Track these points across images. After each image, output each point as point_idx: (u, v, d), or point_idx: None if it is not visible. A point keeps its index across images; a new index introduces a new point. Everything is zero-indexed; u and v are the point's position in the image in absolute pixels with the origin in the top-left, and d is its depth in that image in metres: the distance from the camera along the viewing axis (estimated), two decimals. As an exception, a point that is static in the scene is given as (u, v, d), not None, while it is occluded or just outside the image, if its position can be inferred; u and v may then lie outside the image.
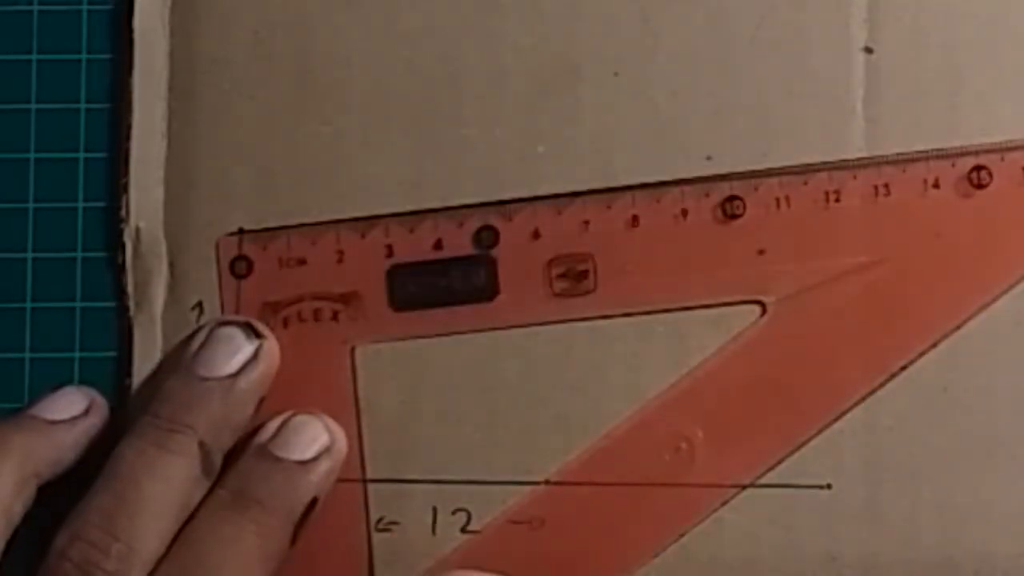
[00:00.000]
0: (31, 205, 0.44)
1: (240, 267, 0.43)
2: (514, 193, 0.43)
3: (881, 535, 0.42)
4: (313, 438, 0.42)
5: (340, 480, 0.42)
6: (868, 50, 0.43)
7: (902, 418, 0.42)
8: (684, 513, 0.42)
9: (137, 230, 0.44)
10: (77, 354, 0.44)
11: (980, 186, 0.42)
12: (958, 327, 0.42)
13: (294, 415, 0.42)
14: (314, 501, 0.41)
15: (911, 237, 0.42)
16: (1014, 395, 0.42)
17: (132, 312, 0.43)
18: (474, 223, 0.43)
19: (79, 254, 0.44)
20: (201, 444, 0.41)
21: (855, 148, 0.43)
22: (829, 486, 0.42)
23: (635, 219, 0.43)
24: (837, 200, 0.42)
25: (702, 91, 0.43)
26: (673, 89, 0.43)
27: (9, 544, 0.40)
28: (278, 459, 0.41)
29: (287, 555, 0.41)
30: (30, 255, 0.44)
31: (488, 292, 0.43)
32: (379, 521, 0.43)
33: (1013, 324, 0.42)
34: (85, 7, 0.44)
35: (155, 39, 0.44)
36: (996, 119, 0.42)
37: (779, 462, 0.42)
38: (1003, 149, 0.42)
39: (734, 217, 0.42)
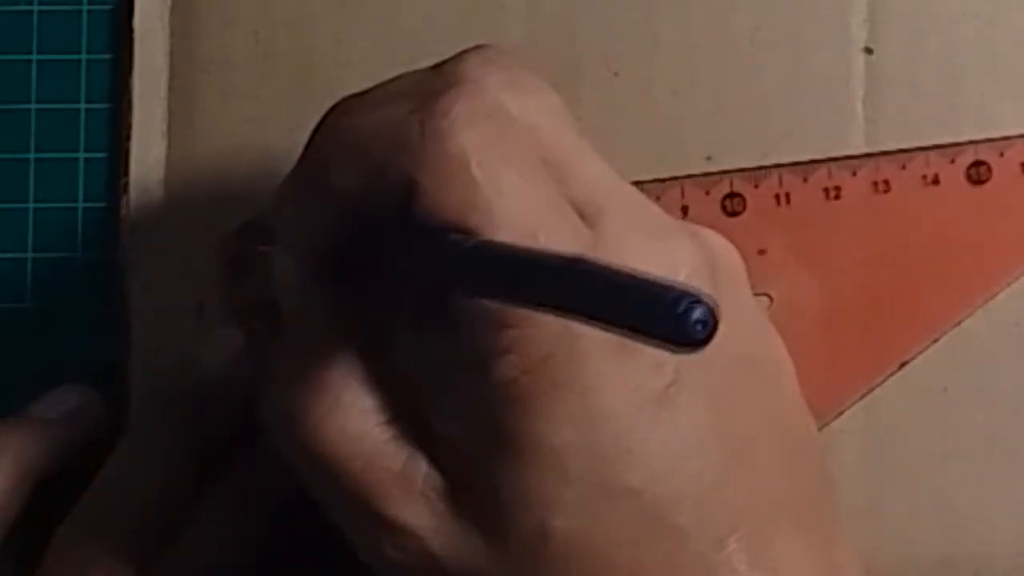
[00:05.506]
0: (31, 205, 0.44)
1: (240, 267, 0.43)
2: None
3: (881, 535, 0.42)
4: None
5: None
6: (868, 50, 0.43)
7: (902, 418, 0.42)
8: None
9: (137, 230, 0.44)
10: (77, 354, 0.44)
11: (980, 182, 0.42)
12: (959, 323, 0.42)
13: None
14: None
15: (911, 233, 0.42)
16: (1014, 395, 0.42)
17: (132, 312, 0.43)
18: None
19: (79, 255, 0.44)
20: (200, 444, 0.41)
21: (855, 148, 0.43)
22: (829, 486, 0.42)
23: (636, 218, 0.43)
24: (837, 197, 0.42)
25: (702, 91, 0.43)
26: (673, 89, 0.43)
27: (7, 544, 0.40)
28: None
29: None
30: (30, 255, 0.44)
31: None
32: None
33: (1013, 324, 0.42)
34: (85, 7, 0.44)
35: (155, 39, 0.44)
36: (996, 119, 0.42)
37: (780, 461, 0.42)
38: (1003, 144, 0.42)
39: (735, 215, 0.42)
